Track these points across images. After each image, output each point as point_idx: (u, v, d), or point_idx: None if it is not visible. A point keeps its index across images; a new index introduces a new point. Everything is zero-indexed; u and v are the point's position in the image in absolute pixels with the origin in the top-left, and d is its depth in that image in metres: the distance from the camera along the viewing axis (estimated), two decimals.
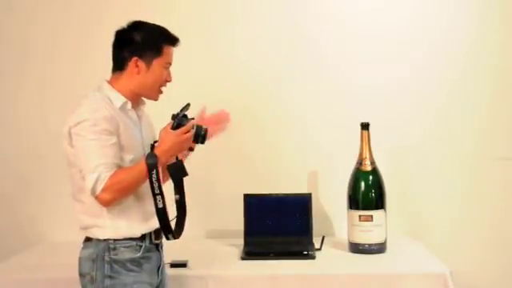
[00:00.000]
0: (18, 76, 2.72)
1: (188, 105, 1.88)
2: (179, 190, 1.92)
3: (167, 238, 1.85)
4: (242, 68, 2.68)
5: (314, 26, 2.67)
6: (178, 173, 1.90)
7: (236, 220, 2.46)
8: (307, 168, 2.66)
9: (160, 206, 1.78)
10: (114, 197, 1.75)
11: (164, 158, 1.81)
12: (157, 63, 1.86)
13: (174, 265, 2.15)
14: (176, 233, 1.87)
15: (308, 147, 2.66)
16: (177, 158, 1.92)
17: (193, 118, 1.88)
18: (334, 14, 2.68)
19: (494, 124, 2.65)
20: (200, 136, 1.87)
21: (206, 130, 1.88)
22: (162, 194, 1.78)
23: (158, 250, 1.93)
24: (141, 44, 1.85)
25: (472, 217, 2.63)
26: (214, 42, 2.68)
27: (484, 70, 2.65)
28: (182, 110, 1.86)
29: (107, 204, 1.76)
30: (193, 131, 1.85)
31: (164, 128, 1.84)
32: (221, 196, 2.62)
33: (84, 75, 2.49)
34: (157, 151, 1.80)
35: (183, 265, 2.15)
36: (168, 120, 1.85)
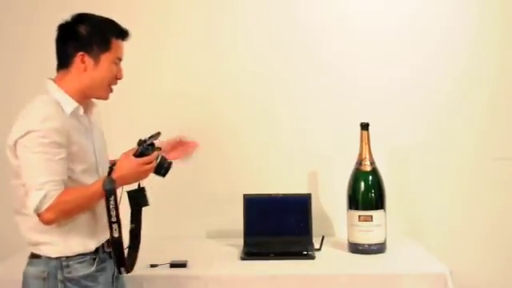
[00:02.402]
0: (17, 76, 2.72)
1: (158, 133, 1.78)
2: (136, 218, 1.82)
3: (119, 272, 1.76)
4: (241, 68, 2.68)
5: (314, 26, 2.67)
6: (138, 201, 1.82)
7: (236, 220, 2.46)
8: (307, 168, 2.65)
9: (116, 235, 1.68)
10: (58, 217, 1.62)
11: (119, 183, 1.70)
12: (105, 58, 1.72)
13: (173, 265, 2.14)
14: (129, 265, 1.78)
15: (308, 147, 2.66)
16: (139, 184, 1.81)
17: (159, 148, 1.79)
18: (334, 14, 2.67)
19: (494, 124, 2.65)
20: (163, 168, 1.78)
21: (169, 164, 1.79)
22: (118, 222, 1.69)
23: (111, 257, 1.78)
24: (87, 38, 1.70)
25: (472, 217, 2.63)
26: (214, 42, 2.68)
27: (484, 71, 2.65)
28: (150, 138, 1.76)
29: (49, 223, 1.63)
30: (156, 162, 1.75)
31: (126, 153, 1.74)
32: (220, 196, 2.61)
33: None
34: (114, 175, 1.69)
35: (183, 265, 2.15)
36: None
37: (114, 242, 1.70)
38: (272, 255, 2.28)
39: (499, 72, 2.65)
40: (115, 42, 1.74)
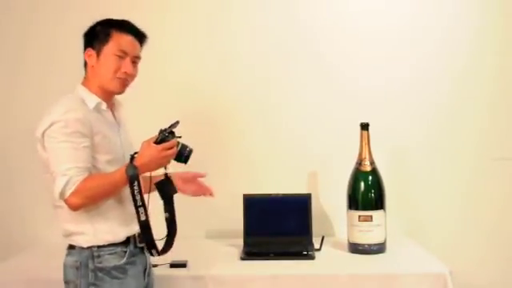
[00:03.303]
0: (17, 76, 2.72)
1: (177, 122, 1.82)
2: (169, 207, 1.89)
3: (151, 254, 1.83)
4: (241, 68, 2.68)
5: (314, 26, 2.67)
6: (167, 190, 1.88)
7: (236, 220, 2.46)
8: (307, 168, 2.66)
9: (142, 218, 1.75)
10: (84, 202, 1.70)
11: (142, 171, 1.76)
12: (107, 50, 1.80)
13: (173, 265, 2.15)
14: (162, 250, 1.85)
15: (308, 147, 2.66)
16: (166, 174, 1.89)
17: (179, 137, 1.83)
18: (334, 14, 2.68)
19: (494, 124, 2.65)
20: (183, 156, 1.83)
21: (190, 151, 1.84)
22: (144, 206, 1.75)
23: (144, 253, 1.89)
24: (91, 33, 1.83)
25: (471, 217, 2.63)
26: (214, 43, 2.68)
27: (484, 70, 2.65)
28: (170, 126, 1.81)
29: (75, 208, 1.71)
30: (176, 149, 1.80)
31: (147, 140, 1.79)
32: (220, 196, 2.60)
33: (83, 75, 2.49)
34: (136, 163, 1.75)
35: (183, 265, 2.15)
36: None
37: (142, 226, 1.76)
38: (272, 255, 2.28)
39: (499, 72, 2.65)
40: (116, 34, 1.81)
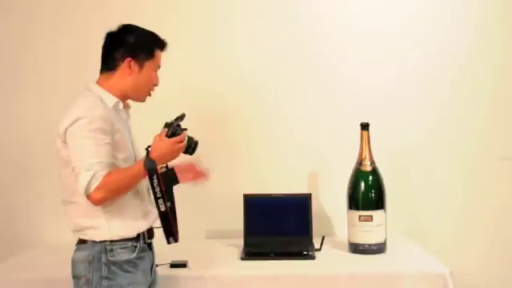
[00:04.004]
0: (17, 75, 2.72)
1: (183, 115, 1.90)
2: (170, 197, 1.97)
3: (168, 242, 1.88)
4: (241, 68, 2.68)
5: (314, 26, 2.67)
6: (170, 181, 1.97)
7: (236, 220, 2.46)
8: (307, 168, 2.66)
9: (162, 209, 1.83)
10: (107, 196, 1.75)
11: (158, 163, 1.82)
12: (149, 65, 1.90)
13: (173, 265, 2.15)
14: (175, 238, 1.90)
15: (308, 147, 2.66)
16: (167, 166, 1.97)
17: (186, 129, 1.90)
18: (334, 14, 2.68)
19: (494, 124, 2.65)
20: (190, 147, 1.91)
21: (196, 143, 1.92)
22: (163, 197, 1.82)
23: (151, 250, 1.96)
24: (135, 46, 1.88)
25: (472, 217, 2.63)
26: (214, 43, 2.68)
27: (484, 71, 2.65)
28: (176, 120, 1.88)
29: (99, 203, 1.75)
30: (185, 142, 1.88)
31: (159, 135, 1.85)
32: (221, 196, 2.61)
33: (83, 75, 2.49)
34: (152, 156, 1.81)
35: (183, 265, 2.16)
36: (157, 126, 1.87)
37: (162, 216, 1.84)
38: (272, 255, 2.28)
39: (499, 72, 2.65)
40: (157, 52, 1.93)
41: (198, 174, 2.17)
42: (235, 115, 2.68)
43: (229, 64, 2.68)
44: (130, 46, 1.88)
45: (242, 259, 2.27)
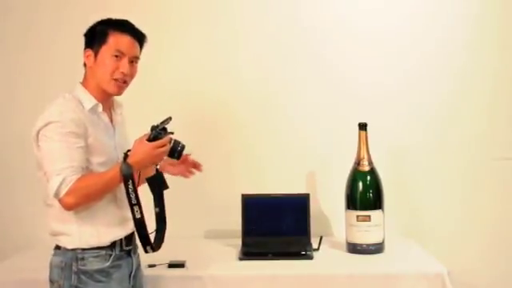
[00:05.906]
0: (16, 76, 2.72)
1: (169, 118, 1.82)
2: (159, 202, 1.89)
3: (145, 251, 1.82)
4: (240, 68, 2.68)
5: (313, 26, 2.67)
6: (158, 186, 1.88)
7: (234, 220, 2.46)
8: (305, 168, 2.66)
9: (138, 216, 1.75)
10: (79, 201, 1.70)
11: (136, 169, 1.76)
12: (104, 51, 1.80)
13: (171, 265, 2.15)
14: (156, 246, 1.84)
15: (306, 147, 2.66)
16: (157, 170, 1.89)
17: (172, 133, 1.84)
18: (333, 14, 2.68)
19: (492, 124, 2.65)
20: (176, 151, 1.84)
21: (182, 147, 1.84)
22: (139, 204, 1.75)
23: (131, 256, 1.89)
24: (90, 35, 1.83)
25: (470, 217, 2.63)
26: (213, 43, 2.68)
27: (483, 70, 2.65)
28: (162, 123, 1.81)
29: (70, 208, 1.71)
30: (169, 146, 1.81)
31: (139, 138, 1.79)
32: (219, 196, 2.62)
33: (83, 76, 2.50)
34: (129, 161, 1.75)
35: (181, 265, 2.16)
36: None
37: (137, 223, 1.76)
38: (270, 255, 2.28)
39: (499, 72, 2.65)
40: (113, 34, 1.81)
41: (190, 165, 2.10)
42: (234, 115, 2.68)
43: (227, 64, 2.68)
44: (87, 37, 1.83)
45: (240, 259, 2.27)
